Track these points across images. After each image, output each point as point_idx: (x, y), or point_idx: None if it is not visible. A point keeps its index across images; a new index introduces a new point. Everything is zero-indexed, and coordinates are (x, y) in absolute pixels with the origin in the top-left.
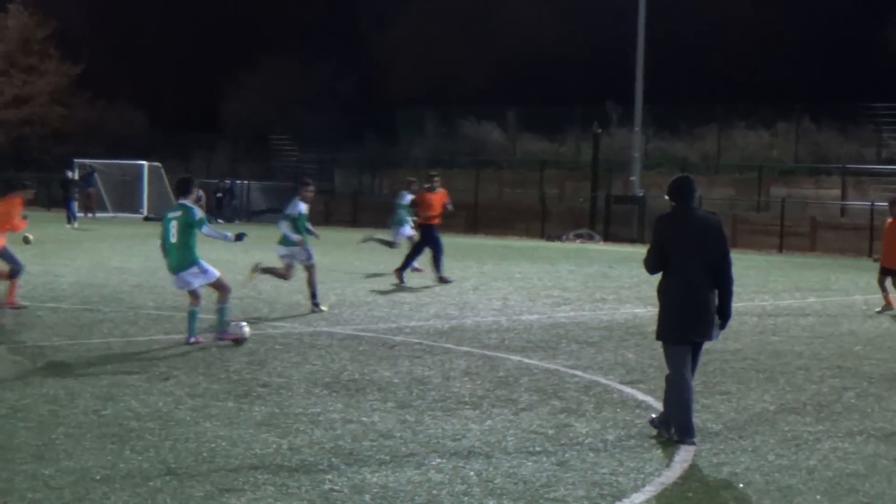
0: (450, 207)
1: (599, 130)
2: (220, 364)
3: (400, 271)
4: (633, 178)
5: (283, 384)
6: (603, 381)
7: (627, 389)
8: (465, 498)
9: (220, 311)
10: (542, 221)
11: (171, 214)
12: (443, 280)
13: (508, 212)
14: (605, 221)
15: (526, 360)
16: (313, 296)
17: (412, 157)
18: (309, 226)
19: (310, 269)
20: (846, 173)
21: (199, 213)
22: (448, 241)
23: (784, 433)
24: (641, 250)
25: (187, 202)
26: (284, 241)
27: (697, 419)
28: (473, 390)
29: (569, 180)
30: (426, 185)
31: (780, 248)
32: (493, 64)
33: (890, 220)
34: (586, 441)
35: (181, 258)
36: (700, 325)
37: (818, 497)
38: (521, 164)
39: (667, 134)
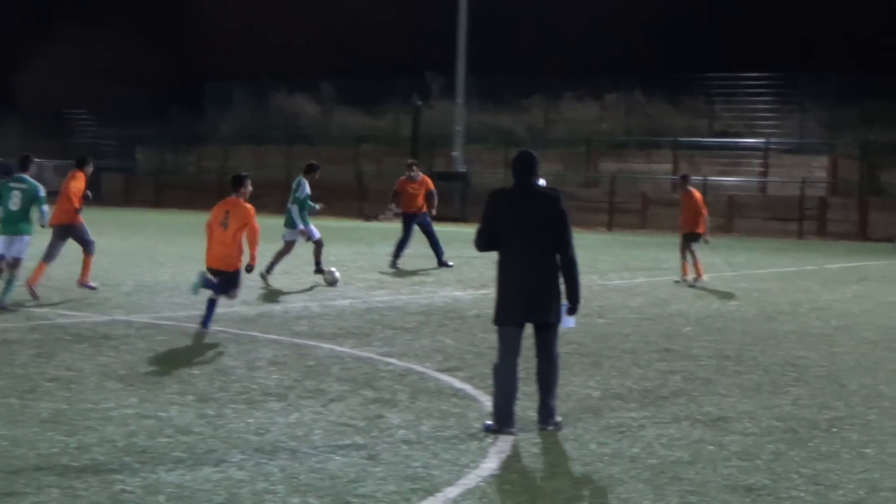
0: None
1: (420, 103)
2: (4, 357)
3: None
4: (455, 153)
5: (73, 378)
6: (419, 368)
7: (444, 377)
8: (268, 496)
9: (9, 283)
10: (360, 200)
11: (13, 185)
12: (393, 266)
13: (323, 190)
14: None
15: (337, 348)
16: (318, 263)
17: (220, 132)
18: (311, 202)
19: (317, 243)
20: (678, 147)
21: (44, 191)
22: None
23: (608, 420)
24: (465, 230)
25: (27, 176)
26: (290, 223)
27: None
28: (280, 381)
29: (388, 156)
30: (408, 174)
31: (610, 226)
32: (306, 33)
33: (685, 192)
34: (399, 433)
35: (19, 225)
36: (535, 306)
37: (640, 486)
38: (336, 140)
39: (491, 106)
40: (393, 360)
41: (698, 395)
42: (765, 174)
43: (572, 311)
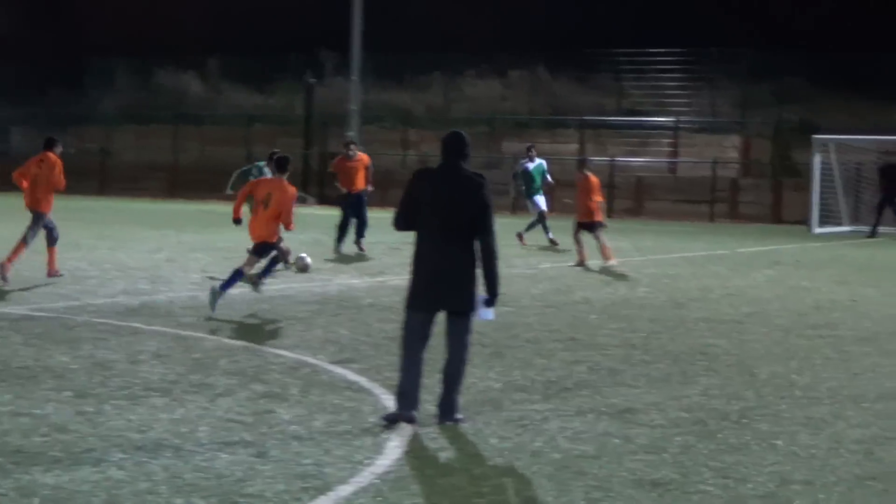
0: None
1: (313, 81)
2: None
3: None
4: (350, 134)
5: None
6: (311, 360)
7: (338, 370)
8: (150, 497)
9: None
10: None
11: None
12: (361, 249)
13: (212, 173)
14: (320, 182)
15: (225, 340)
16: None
17: (102, 111)
18: None
19: None
20: (584, 126)
21: None
22: (142, 207)
23: (509, 413)
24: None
25: None
26: None
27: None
28: (164, 375)
29: (279, 137)
30: (346, 153)
31: (514, 210)
32: (192, 7)
33: (582, 177)
34: (290, 429)
35: None
36: (447, 293)
37: (543, 482)
38: (225, 120)
39: (388, 84)
40: (284, 352)
41: (604, 386)
42: (675, 154)
43: (491, 302)
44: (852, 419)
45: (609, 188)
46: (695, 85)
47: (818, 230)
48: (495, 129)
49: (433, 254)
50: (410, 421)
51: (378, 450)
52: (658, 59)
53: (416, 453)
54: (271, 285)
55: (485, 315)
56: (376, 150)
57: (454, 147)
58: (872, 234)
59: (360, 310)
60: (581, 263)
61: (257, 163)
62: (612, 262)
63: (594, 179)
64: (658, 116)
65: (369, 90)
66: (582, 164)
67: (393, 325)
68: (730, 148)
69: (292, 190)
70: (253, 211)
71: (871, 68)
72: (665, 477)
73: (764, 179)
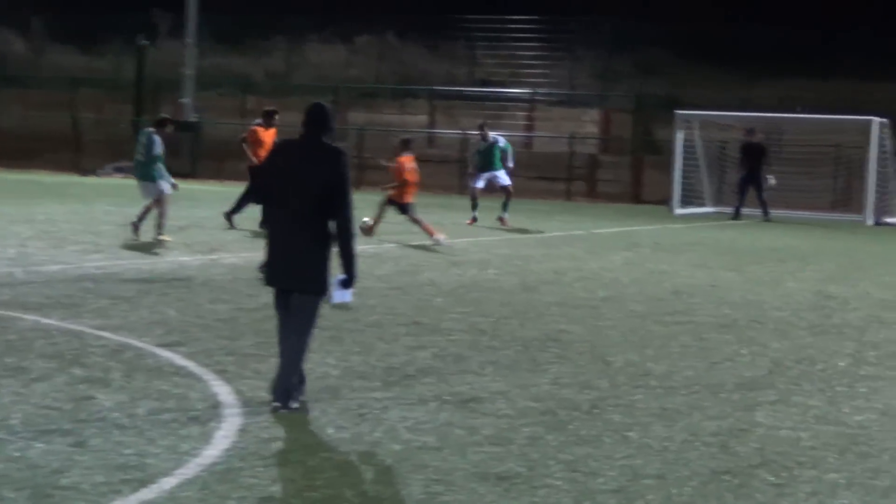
0: None
1: (145, 43)
2: None
3: (230, 215)
4: (185, 101)
5: None
6: (136, 343)
7: (165, 353)
8: None
9: None
10: (76, 152)
11: None
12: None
13: (33, 140)
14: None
15: (43, 320)
16: (141, 219)
17: None
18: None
19: (162, 201)
20: (435, 97)
21: None
22: None
23: (347, 401)
24: (196, 187)
25: None
26: (150, 177)
27: (245, 387)
28: None
29: (108, 102)
30: (258, 121)
31: (358, 184)
32: None
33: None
34: (111, 416)
35: None
36: (292, 272)
37: (381, 474)
38: (49, 82)
39: (226, 48)
40: (106, 334)
41: (449, 374)
42: (530, 129)
43: (348, 283)
44: (709, 410)
45: (461, 163)
46: (553, 55)
47: (680, 211)
48: (340, 98)
49: (285, 229)
50: (293, 411)
51: (206, 440)
52: (514, 26)
53: (246, 444)
54: (95, 262)
55: (340, 297)
56: (213, 118)
57: (315, 119)
58: (736, 216)
59: (191, 289)
60: (434, 239)
61: (145, 129)
62: (440, 238)
63: (406, 161)
64: (513, 88)
65: (206, 54)
66: (403, 144)
67: (226, 305)
68: (589, 122)
69: None
70: None
71: (735, 41)
72: (511, 470)
73: (624, 157)
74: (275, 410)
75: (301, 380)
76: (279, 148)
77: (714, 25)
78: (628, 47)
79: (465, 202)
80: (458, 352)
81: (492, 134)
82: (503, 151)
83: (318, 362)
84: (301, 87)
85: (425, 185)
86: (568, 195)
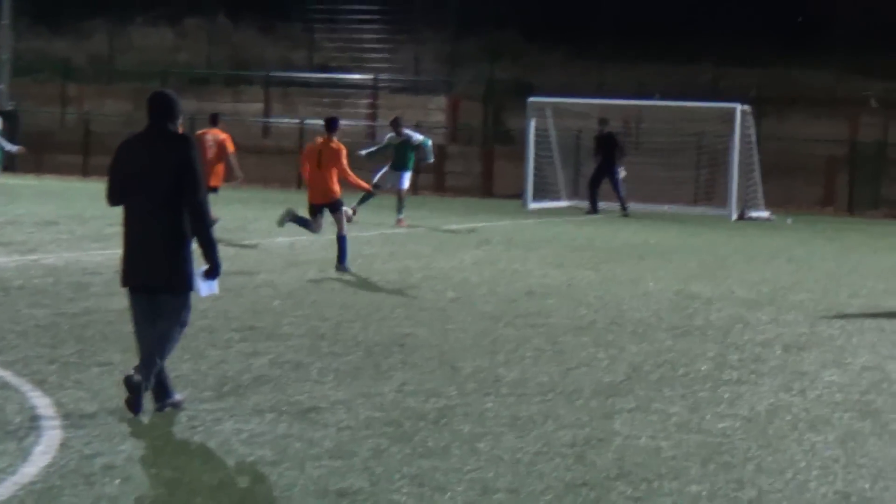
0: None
1: None
2: None
3: None
4: None
5: None
6: None
7: None
8: None
9: None
10: None
11: None
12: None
13: None
14: None
15: None
16: None
17: None
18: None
19: None
20: (271, 83)
21: None
22: None
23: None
24: (11, 181)
25: None
26: None
27: (67, 399)
28: None
29: None
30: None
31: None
32: None
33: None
34: None
35: None
36: (153, 269)
37: (213, 490)
38: None
39: (44, 30)
40: None
41: (286, 382)
42: (373, 117)
43: (212, 273)
44: (564, 419)
45: (298, 154)
46: (396, 38)
47: (533, 205)
48: (168, 85)
49: (140, 226)
50: (177, 405)
51: (23, 456)
52: (354, 7)
53: (67, 460)
54: None
55: (208, 289)
56: (31, 107)
57: (159, 108)
58: (593, 211)
59: (8, 293)
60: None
61: None
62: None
63: (220, 136)
64: (355, 73)
65: (22, 36)
66: (212, 121)
67: (45, 311)
68: (435, 110)
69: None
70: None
71: (589, 21)
72: (353, 485)
73: (473, 147)
74: (160, 410)
75: (148, 385)
76: (124, 145)
77: (566, 4)
78: (476, 29)
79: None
80: (297, 358)
81: (406, 130)
82: (418, 149)
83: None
84: (126, 73)
85: (265, 179)
86: (414, 189)
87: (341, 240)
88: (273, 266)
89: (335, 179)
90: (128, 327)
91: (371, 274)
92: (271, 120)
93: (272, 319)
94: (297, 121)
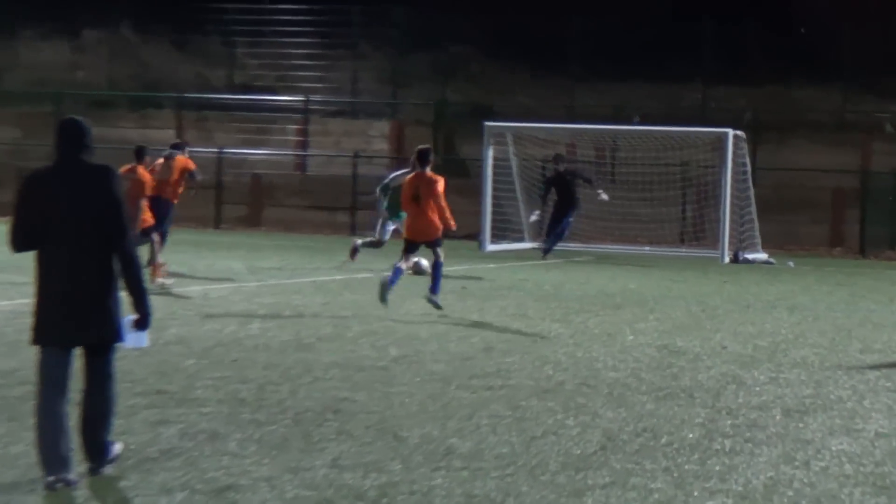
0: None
1: None
2: None
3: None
4: None
5: None
6: None
7: None
8: None
9: None
10: None
11: None
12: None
13: None
14: None
15: None
16: None
17: None
18: None
19: None
20: (184, 105)
21: None
22: None
23: (70, 492)
24: None
25: None
26: None
27: None
28: None
29: None
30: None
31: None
32: None
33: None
34: None
35: None
36: (84, 322)
37: None
38: None
39: None
40: None
41: (201, 456)
42: (304, 146)
43: (142, 323)
44: (527, 497)
45: (217, 189)
46: (332, 54)
47: (492, 247)
48: (64, 108)
49: (62, 274)
50: (69, 484)
51: None
52: (282, 18)
53: None
54: None
55: (135, 340)
56: None
57: (71, 137)
58: (545, 252)
59: None
60: (154, 277)
61: None
62: (162, 280)
63: (145, 175)
64: (282, 94)
65: None
66: (138, 154)
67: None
68: (377, 137)
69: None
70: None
71: (560, 35)
72: None
73: None
74: (92, 472)
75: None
76: (33, 180)
77: (531, 15)
78: (425, 43)
79: (217, 238)
80: (213, 428)
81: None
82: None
83: (31, 442)
84: (13, 95)
85: (175, 218)
86: (352, 228)
87: (437, 266)
88: (186, 319)
89: (436, 214)
90: (14, 391)
91: (301, 328)
92: (191, 149)
93: (184, 382)
94: (215, 150)
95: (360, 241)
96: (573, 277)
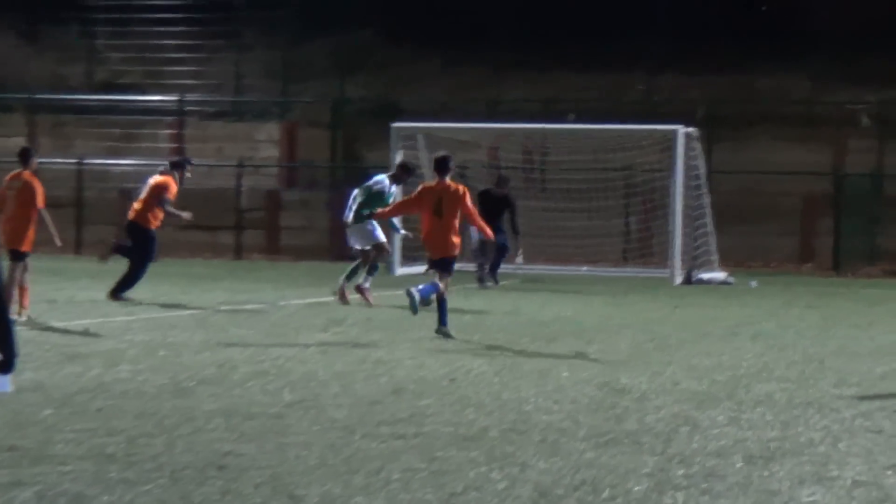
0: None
1: None
2: None
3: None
4: None
5: None
6: None
7: None
8: None
9: None
10: None
11: None
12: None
13: None
14: None
15: None
16: None
17: None
18: None
19: None
20: (36, 108)
21: None
22: None
23: None
24: None
25: None
26: None
27: None
28: None
29: None
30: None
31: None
32: None
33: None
34: None
35: None
36: None
37: None
38: None
39: None
40: None
41: None
42: (179, 151)
43: (7, 366)
44: None
45: (76, 207)
46: (210, 45)
47: (403, 270)
48: None
49: None
50: None
51: None
52: (151, 4)
53: None
54: None
55: None
56: None
57: None
58: (484, 280)
59: None
60: (21, 311)
61: None
62: (26, 315)
63: (37, 186)
64: (152, 94)
65: None
66: (23, 157)
67: None
68: (265, 142)
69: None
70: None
71: (480, 19)
72: None
73: (318, 192)
74: None
75: None
76: None
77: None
78: (320, 31)
79: (78, 265)
80: (75, 489)
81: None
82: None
83: None
84: None
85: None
86: (238, 251)
87: (443, 302)
88: (42, 360)
89: (456, 231)
90: None
91: (178, 369)
92: (41, 160)
93: (41, 436)
94: (74, 160)
95: (343, 279)
96: (498, 305)
